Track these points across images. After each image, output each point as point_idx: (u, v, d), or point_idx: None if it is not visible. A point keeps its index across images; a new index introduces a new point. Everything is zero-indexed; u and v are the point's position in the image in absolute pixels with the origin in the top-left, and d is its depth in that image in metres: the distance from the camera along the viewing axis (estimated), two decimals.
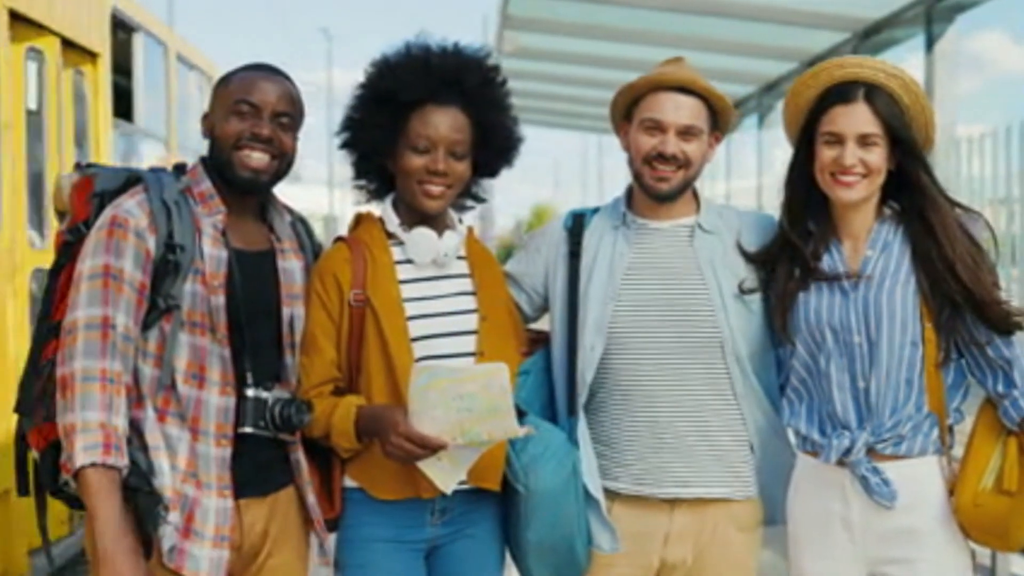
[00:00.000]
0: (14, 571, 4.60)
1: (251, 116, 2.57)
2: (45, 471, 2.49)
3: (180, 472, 2.46)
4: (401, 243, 2.70)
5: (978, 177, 8.38)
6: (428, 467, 2.48)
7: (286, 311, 2.62)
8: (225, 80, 2.65)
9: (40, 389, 2.48)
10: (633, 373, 2.71)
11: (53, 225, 4.05)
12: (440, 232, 2.70)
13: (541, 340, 2.87)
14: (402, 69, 2.65)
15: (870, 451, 2.56)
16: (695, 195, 2.84)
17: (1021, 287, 7.80)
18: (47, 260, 2.68)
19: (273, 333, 2.60)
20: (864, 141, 2.57)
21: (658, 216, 2.79)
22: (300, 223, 2.78)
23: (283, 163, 2.62)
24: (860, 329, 2.57)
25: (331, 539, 2.68)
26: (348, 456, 2.64)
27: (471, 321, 2.67)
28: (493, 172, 2.82)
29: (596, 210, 2.90)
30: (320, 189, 42.36)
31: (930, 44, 8.64)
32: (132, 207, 2.47)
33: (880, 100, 2.58)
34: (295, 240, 2.72)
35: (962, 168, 8.44)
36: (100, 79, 5.71)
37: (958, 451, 2.61)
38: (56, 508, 2.54)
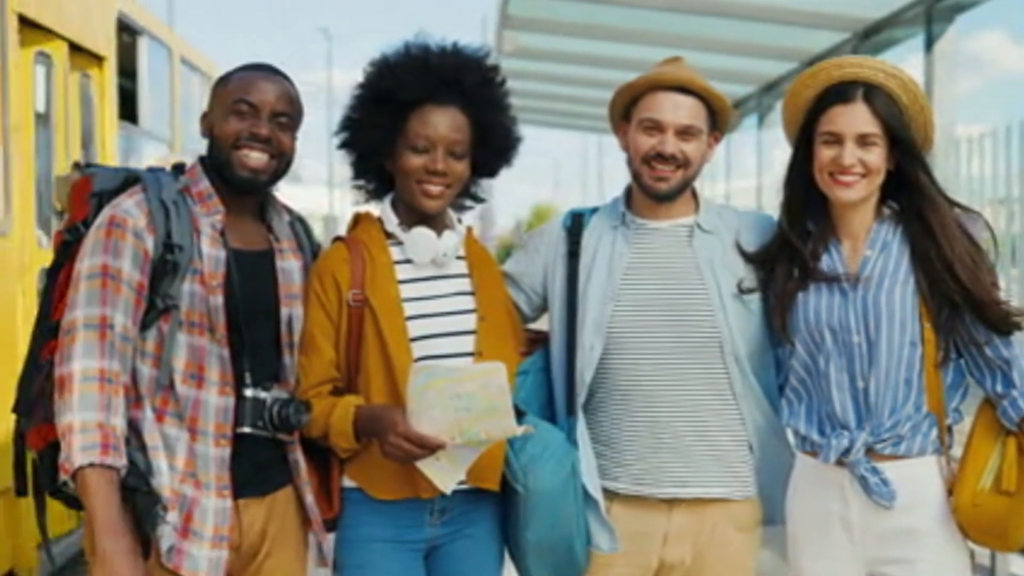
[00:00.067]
0: (23, 565, 4.62)
1: (250, 116, 2.57)
2: (44, 471, 2.49)
3: (179, 472, 2.46)
4: (400, 243, 2.70)
5: (977, 177, 8.37)
6: (427, 467, 2.48)
7: (285, 311, 2.62)
8: (224, 80, 2.65)
9: (39, 389, 2.48)
10: (632, 373, 2.70)
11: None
12: (439, 232, 2.70)
13: (540, 340, 2.87)
14: (401, 69, 2.65)
15: (869, 451, 2.56)
16: (694, 195, 2.84)
17: (1021, 287, 7.79)
18: None
19: (272, 333, 2.60)
20: (863, 141, 2.57)
21: (657, 216, 2.79)
22: (298, 223, 2.78)
23: (282, 163, 2.62)
24: (859, 329, 2.57)
25: (329, 539, 2.68)
26: (347, 456, 2.64)
27: (470, 321, 2.67)
28: (492, 172, 2.82)
29: (595, 210, 2.90)
30: (320, 189, 42.37)
31: (930, 44, 8.63)
32: (130, 207, 2.47)
33: (879, 100, 2.58)
34: (294, 240, 2.72)
35: (961, 168, 8.43)
36: (106, 82, 5.78)
37: (957, 451, 2.61)
38: (60, 504, 2.54)
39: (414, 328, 2.62)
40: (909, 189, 2.62)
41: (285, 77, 2.67)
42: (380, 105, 2.65)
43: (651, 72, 2.79)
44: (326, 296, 2.63)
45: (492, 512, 2.71)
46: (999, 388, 2.56)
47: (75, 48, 5.35)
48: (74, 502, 2.42)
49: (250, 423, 2.53)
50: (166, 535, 2.42)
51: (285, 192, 2.80)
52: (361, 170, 2.77)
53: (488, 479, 2.63)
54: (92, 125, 5.72)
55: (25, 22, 4.78)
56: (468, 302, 2.70)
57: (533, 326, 2.93)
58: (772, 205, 2.78)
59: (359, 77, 2.73)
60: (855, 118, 2.58)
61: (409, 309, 2.64)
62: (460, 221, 2.79)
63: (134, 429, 2.43)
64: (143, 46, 6.69)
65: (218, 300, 2.50)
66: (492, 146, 2.74)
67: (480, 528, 2.70)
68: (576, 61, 13.34)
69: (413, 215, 2.69)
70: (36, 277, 4.79)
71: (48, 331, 2.49)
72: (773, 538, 2.84)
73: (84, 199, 2.57)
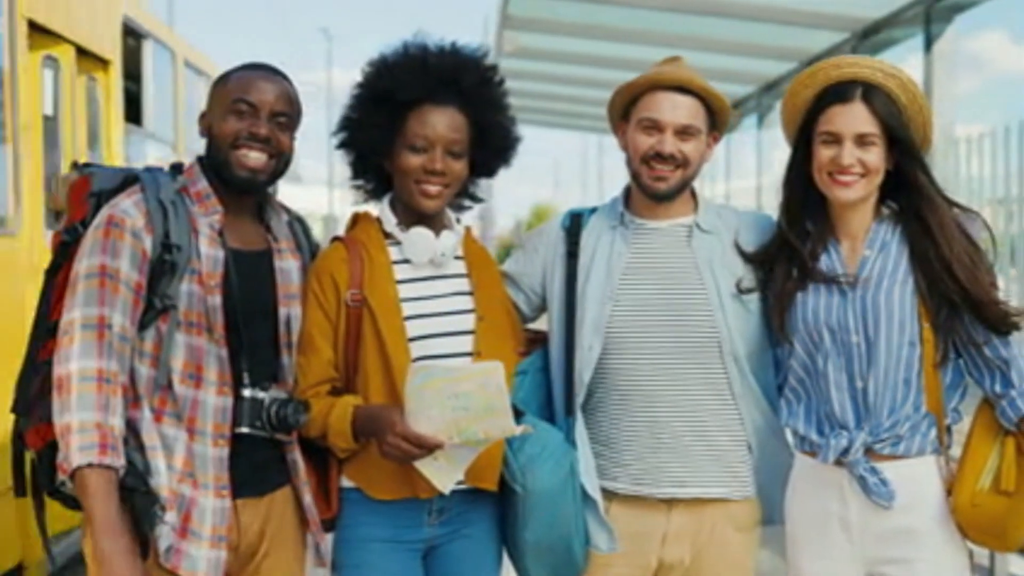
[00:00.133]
0: (31, 559, 4.65)
1: (249, 116, 2.57)
2: (42, 471, 2.49)
3: (177, 472, 2.46)
4: (398, 243, 2.70)
5: (977, 177, 8.37)
6: (425, 467, 2.48)
7: (283, 311, 2.62)
8: (223, 79, 2.65)
9: (37, 389, 2.48)
10: (631, 373, 2.70)
11: None
12: (437, 232, 2.70)
13: (539, 340, 2.87)
14: (400, 69, 2.64)
15: (868, 451, 2.56)
16: (693, 195, 2.83)
17: (1020, 287, 7.79)
18: None
19: (270, 333, 2.60)
20: (862, 141, 2.57)
21: (656, 216, 2.79)
22: (297, 223, 2.78)
23: (280, 163, 2.62)
24: (858, 329, 2.57)
25: (327, 540, 2.68)
26: (345, 456, 2.64)
27: (468, 321, 2.67)
28: (491, 172, 2.82)
29: (594, 210, 2.89)
30: (320, 189, 42.38)
31: (929, 44, 8.64)
32: (128, 207, 2.47)
33: (878, 100, 2.58)
34: (292, 240, 2.72)
35: (961, 168, 8.44)
36: (112, 85, 5.88)
37: (956, 451, 2.61)
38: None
39: (412, 328, 2.62)
40: (908, 189, 2.62)
41: (284, 77, 2.67)
42: (378, 105, 2.65)
43: (650, 72, 2.79)
44: (324, 296, 2.63)
45: (490, 512, 2.71)
46: (998, 388, 2.56)
47: (82, 52, 5.45)
48: (72, 502, 2.42)
49: (248, 423, 2.53)
50: (164, 535, 2.42)
51: (285, 192, 2.79)
52: (360, 170, 2.77)
53: (486, 479, 2.63)
54: (98, 127, 5.80)
55: (34, 27, 4.87)
56: (467, 302, 2.70)
57: (532, 326, 2.93)
58: (772, 205, 2.78)
59: (358, 77, 2.73)
60: (854, 118, 2.57)
61: (407, 309, 2.64)
62: (459, 221, 2.79)
63: (132, 429, 2.43)
64: (148, 49, 6.78)
65: (216, 300, 2.49)
66: (490, 146, 2.74)
67: (478, 528, 2.70)
68: (576, 61, 13.34)
69: (411, 215, 2.69)
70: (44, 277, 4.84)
71: (46, 331, 2.49)
72: (772, 538, 2.84)
73: (82, 199, 2.57)
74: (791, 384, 2.68)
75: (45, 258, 4.74)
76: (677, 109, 2.70)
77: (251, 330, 2.54)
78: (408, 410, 2.43)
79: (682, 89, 2.72)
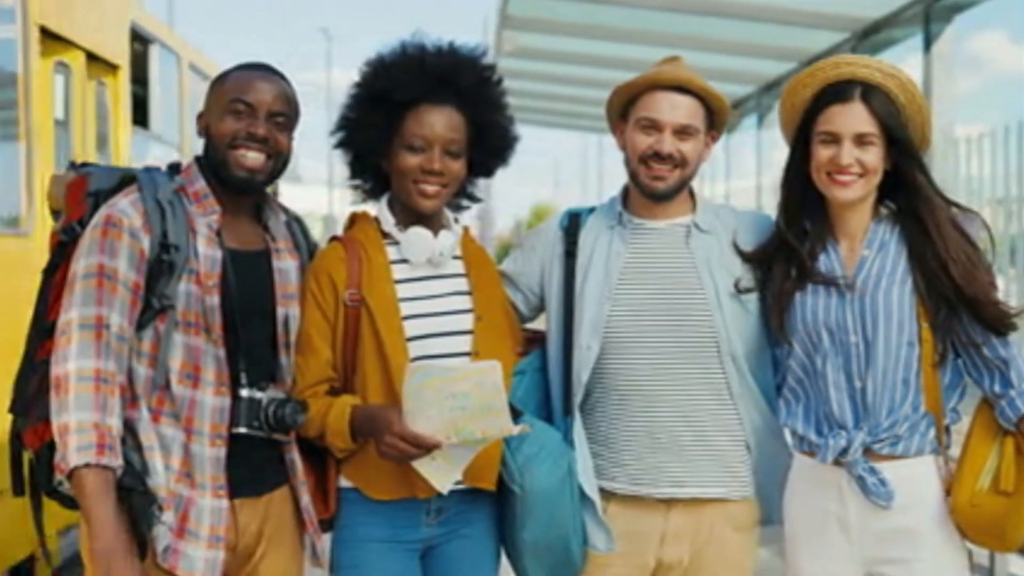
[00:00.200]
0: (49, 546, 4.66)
1: (247, 116, 2.56)
2: (40, 471, 2.48)
3: (175, 472, 2.46)
4: (396, 243, 2.70)
5: (976, 177, 8.38)
6: (423, 467, 2.47)
7: (281, 311, 2.61)
8: (220, 79, 2.65)
9: (35, 389, 2.48)
10: (629, 373, 2.70)
11: None
12: (435, 232, 2.70)
13: (537, 340, 2.87)
14: (397, 68, 2.64)
15: (867, 451, 2.55)
16: (691, 195, 2.83)
17: (1020, 287, 7.80)
18: None
19: (268, 333, 2.60)
20: (860, 140, 2.57)
21: (654, 215, 2.78)
22: (295, 222, 2.77)
23: (278, 163, 2.62)
24: (856, 329, 2.57)
25: (325, 540, 2.68)
26: (343, 456, 2.64)
27: (466, 321, 2.67)
28: (489, 171, 2.82)
29: (592, 210, 2.89)
30: (320, 189, 42.38)
31: (928, 44, 8.64)
32: (126, 207, 2.47)
33: (876, 99, 2.58)
34: (290, 240, 2.72)
35: (960, 168, 8.44)
36: (120, 89, 6.01)
37: (955, 451, 2.61)
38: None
39: (411, 328, 2.62)
40: (906, 189, 2.61)
41: (282, 77, 2.66)
42: (376, 104, 2.64)
43: (649, 71, 2.78)
44: (322, 296, 2.63)
45: (488, 512, 2.70)
46: (997, 388, 2.56)
47: (91, 57, 5.58)
48: (70, 502, 2.42)
49: (246, 423, 2.52)
50: (162, 535, 2.42)
51: (285, 192, 2.79)
52: (357, 169, 2.77)
53: (485, 479, 2.62)
54: (107, 130, 5.94)
55: (46, 33, 4.98)
56: (465, 302, 2.70)
57: (530, 326, 2.93)
58: (772, 205, 2.78)
59: (357, 77, 2.72)
60: (853, 118, 2.57)
61: (406, 309, 2.63)
62: (457, 221, 2.78)
63: (130, 429, 2.43)
64: (154, 54, 6.92)
65: (214, 300, 2.49)
66: (488, 145, 2.73)
67: (476, 528, 2.69)
68: (576, 61, 13.35)
69: (410, 215, 2.69)
70: None
71: (44, 331, 2.48)
72: (771, 537, 2.84)
73: (80, 199, 2.56)
74: (790, 384, 2.68)
75: None
76: (676, 109, 2.70)
77: (249, 330, 2.54)
78: (406, 410, 2.43)
79: (681, 89, 2.72)
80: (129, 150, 6.14)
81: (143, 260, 2.44)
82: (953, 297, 2.52)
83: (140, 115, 6.69)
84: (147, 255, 2.45)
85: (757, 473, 2.75)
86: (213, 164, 2.59)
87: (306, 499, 2.64)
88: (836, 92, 2.60)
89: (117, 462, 2.33)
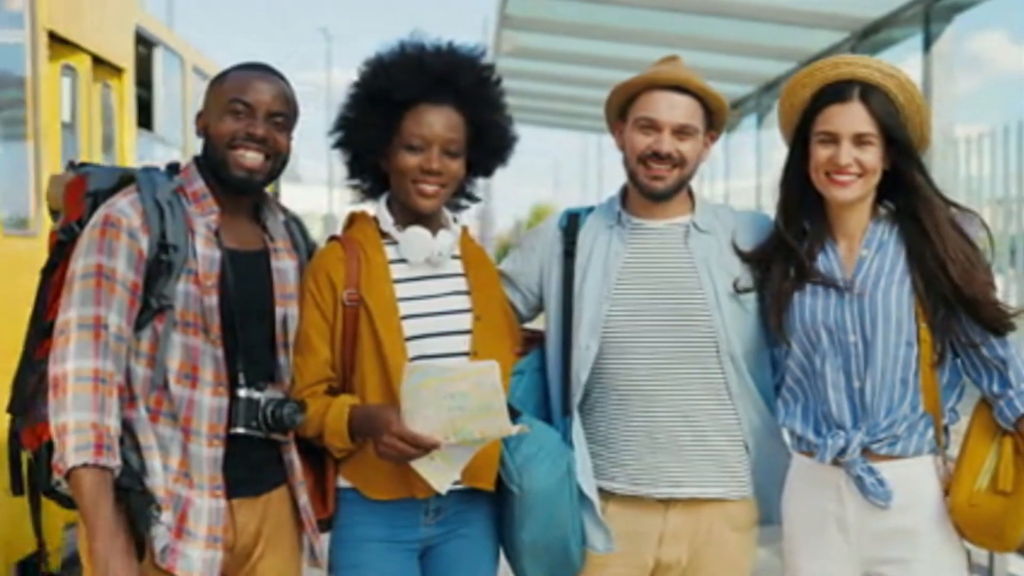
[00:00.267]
0: (52, 544, 4.68)
1: (246, 116, 2.56)
2: (39, 471, 2.48)
3: (173, 472, 2.46)
4: (395, 242, 2.70)
5: (976, 177, 8.38)
6: (421, 466, 2.47)
7: (280, 311, 2.61)
8: (219, 79, 2.65)
9: (34, 389, 2.48)
10: (628, 373, 2.70)
11: None
12: (434, 231, 2.70)
13: (536, 340, 2.87)
14: (396, 68, 2.64)
15: (865, 451, 2.55)
16: (690, 194, 2.83)
17: (1020, 287, 7.80)
18: None
19: (266, 333, 2.59)
20: (859, 140, 2.57)
21: (653, 215, 2.78)
22: (294, 222, 2.77)
23: (277, 163, 2.62)
24: (855, 329, 2.57)
25: (324, 540, 2.67)
26: (342, 456, 2.63)
27: (465, 321, 2.67)
28: (488, 171, 2.82)
29: (591, 209, 2.89)
30: (320, 189, 42.36)
31: (928, 44, 8.65)
32: (125, 207, 2.47)
33: (875, 99, 2.57)
34: (289, 240, 2.71)
35: (960, 168, 8.45)
36: (125, 92, 6.13)
37: (954, 451, 2.61)
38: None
39: (409, 328, 2.62)
40: (905, 189, 2.61)
41: (281, 77, 2.66)
42: (375, 104, 2.64)
43: (647, 71, 2.78)
44: (321, 296, 2.63)
45: (487, 512, 2.70)
46: (995, 388, 2.56)
47: (97, 61, 5.68)
48: (68, 501, 2.42)
49: (244, 423, 2.52)
50: (160, 535, 2.41)
51: (285, 192, 2.80)
52: (356, 169, 2.77)
53: (483, 479, 2.62)
54: (112, 132, 6.04)
55: (53, 37, 5.08)
56: (463, 301, 2.70)
57: (529, 325, 2.93)
58: (771, 205, 2.78)
59: (355, 76, 2.72)
60: (851, 117, 2.57)
61: (404, 308, 2.63)
62: (455, 220, 2.78)
63: (128, 429, 2.43)
64: (158, 57, 7.02)
65: (212, 300, 2.49)
66: (487, 145, 2.73)
67: (475, 528, 2.69)
68: (575, 61, 13.36)
69: (408, 214, 2.69)
70: None
71: (43, 331, 2.48)
72: (770, 537, 2.84)
73: (79, 199, 2.56)
74: (788, 384, 2.68)
75: None
76: (674, 108, 2.70)
77: (247, 330, 2.54)
78: (404, 410, 2.43)
79: (679, 88, 2.72)
80: (134, 152, 6.24)
81: (141, 260, 2.44)
82: (952, 297, 2.52)
83: (144, 117, 6.80)
84: (146, 255, 2.45)
85: (756, 473, 2.74)
86: (212, 164, 2.58)
87: (304, 499, 2.64)
88: (835, 92, 2.60)
89: (115, 462, 2.33)
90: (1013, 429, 2.53)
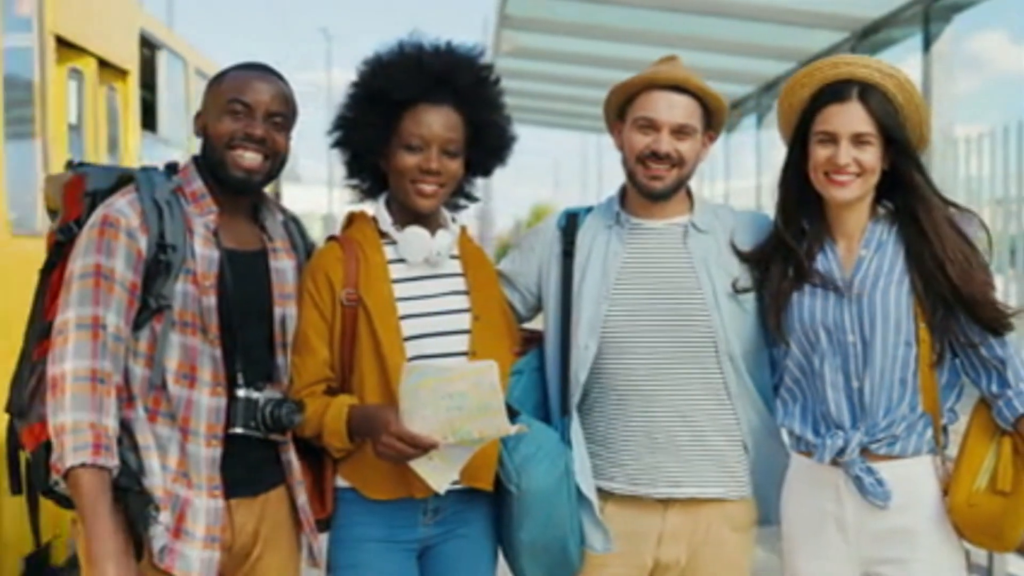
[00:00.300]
0: (60, 537, 4.80)
1: (244, 116, 2.56)
2: (37, 471, 2.48)
3: (171, 472, 2.46)
4: (394, 242, 2.70)
5: (976, 177, 8.38)
6: (420, 466, 2.47)
7: (278, 311, 2.61)
8: (218, 79, 2.64)
9: (32, 389, 2.48)
10: (627, 373, 2.70)
11: None
12: (433, 231, 2.70)
13: (535, 339, 2.87)
14: (395, 68, 2.64)
15: (864, 451, 2.55)
16: (689, 194, 2.83)
17: (1020, 287, 7.80)
18: None
19: (265, 333, 2.59)
20: (858, 140, 2.57)
21: (652, 215, 2.78)
22: (292, 222, 2.77)
23: (276, 163, 2.62)
24: (854, 328, 2.57)
25: (321, 540, 2.67)
26: (340, 456, 2.63)
27: (464, 320, 2.67)
28: (487, 171, 2.82)
29: (590, 209, 2.89)
30: (320, 189, 42.36)
31: (927, 44, 8.64)
32: (123, 206, 2.46)
33: (874, 99, 2.57)
34: (287, 240, 2.71)
35: (960, 168, 8.44)
36: (130, 94, 6.32)
37: (952, 451, 2.61)
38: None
39: (408, 327, 2.62)
40: (904, 189, 2.61)
41: (279, 76, 2.66)
42: (374, 104, 2.64)
43: (646, 71, 2.78)
44: (320, 295, 2.63)
45: (486, 512, 2.70)
46: (994, 388, 2.56)
47: (103, 63, 5.84)
48: (66, 502, 2.41)
49: (242, 423, 2.52)
50: (158, 535, 2.41)
51: (285, 192, 2.80)
52: (355, 169, 2.77)
53: (482, 479, 2.62)
54: (117, 134, 6.20)
55: (61, 41, 5.25)
56: (462, 301, 2.69)
57: (528, 325, 2.93)
58: (771, 205, 2.78)
59: (354, 76, 2.72)
60: (850, 117, 2.57)
61: (403, 308, 2.63)
62: (454, 220, 2.78)
63: (126, 429, 2.43)
64: (162, 60, 7.19)
65: (211, 300, 2.49)
66: (486, 145, 2.73)
67: (474, 528, 2.69)
68: (575, 61, 13.35)
69: (407, 214, 2.69)
70: None
71: (41, 331, 2.48)
72: (769, 537, 2.84)
73: (77, 198, 2.56)
74: (787, 384, 2.68)
75: None
76: (673, 108, 2.70)
77: (246, 330, 2.54)
78: (402, 410, 2.43)
79: (678, 88, 2.72)
80: (138, 153, 6.37)
81: (140, 260, 2.44)
82: (950, 297, 2.52)
83: (148, 119, 6.93)
84: (144, 255, 2.44)
85: (754, 473, 2.74)
86: (210, 164, 2.58)
87: (303, 499, 2.63)
88: (834, 92, 2.60)
89: (113, 462, 2.33)
90: (1012, 429, 2.53)
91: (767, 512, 2.77)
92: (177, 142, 7.35)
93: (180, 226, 2.49)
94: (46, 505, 2.55)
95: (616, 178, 2.88)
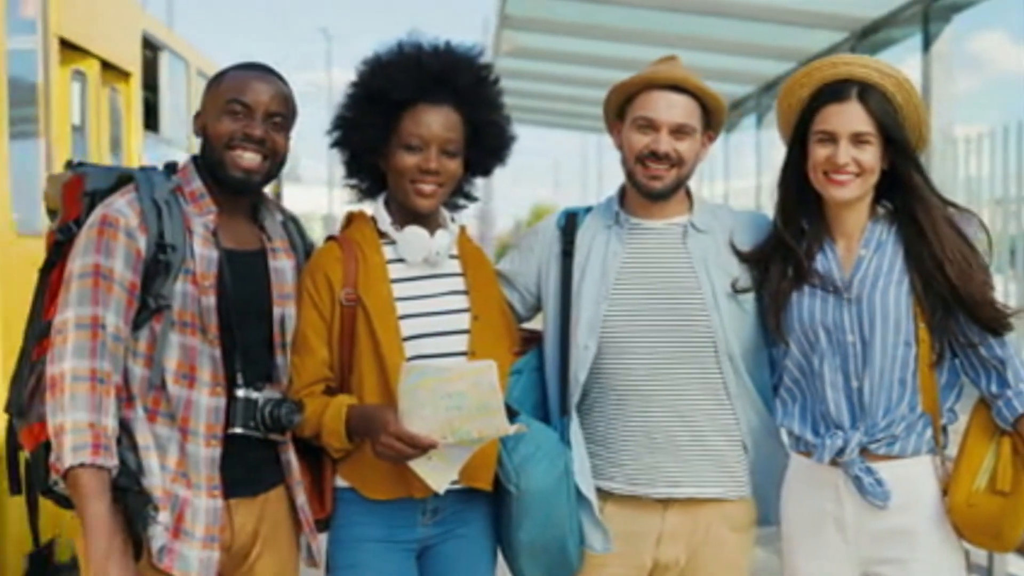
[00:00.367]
0: (66, 534, 4.78)
1: (244, 116, 2.56)
2: (36, 471, 2.48)
3: (170, 472, 2.45)
4: (393, 242, 2.70)
5: (976, 177, 8.37)
6: (419, 466, 2.47)
7: (277, 311, 2.61)
8: (217, 79, 2.64)
9: (31, 389, 2.48)
10: (627, 373, 2.70)
11: None
12: (432, 231, 2.70)
13: (534, 339, 2.87)
14: (394, 68, 2.64)
15: (863, 451, 2.55)
16: (688, 194, 2.83)
17: (1019, 287, 7.79)
18: None
19: (264, 333, 2.59)
20: (857, 140, 2.57)
21: (651, 215, 2.78)
22: (291, 222, 2.77)
23: (275, 163, 2.62)
24: (853, 328, 2.57)
25: (320, 540, 2.67)
26: (340, 456, 2.63)
27: (463, 320, 2.67)
28: (486, 171, 2.82)
29: (589, 209, 2.89)
30: (320, 189, 42.36)
31: (927, 44, 8.63)
32: (122, 206, 2.46)
33: (873, 99, 2.57)
34: (286, 239, 2.71)
35: (959, 168, 8.44)
36: (132, 95, 6.40)
37: (952, 451, 2.61)
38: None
39: (407, 327, 2.62)
40: (903, 189, 2.61)
41: (279, 77, 2.66)
42: (373, 104, 2.64)
43: (645, 71, 2.78)
44: (319, 295, 2.63)
45: (485, 512, 2.70)
46: (994, 388, 2.55)
47: (106, 65, 5.92)
48: (66, 502, 2.41)
49: (242, 423, 2.52)
50: (157, 535, 2.41)
51: (285, 192, 2.80)
52: (354, 169, 2.77)
53: (481, 479, 2.62)
54: (120, 134, 6.27)
55: (64, 43, 5.31)
56: (461, 301, 2.69)
57: (527, 325, 2.93)
58: (771, 205, 2.78)
59: (354, 76, 2.72)
60: (849, 117, 2.57)
61: (402, 308, 2.63)
62: (453, 220, 2.78)
63: (126, 429, 2.42)
64: (164, 61, 7.29)
65: (210, 300, 2.49)
66: (485, 145, 2.73)
67: (473, 528, 2.69)
68: (575, 61, 13.34)
69: (406, 214, 2.69)
70: None
71: (40, 331, 2.48)
72: (767, 538, 2.84)
73: (76, 198, 2.56)
74: (786, 384, 2.68)
75: None
76: (672, 108, 2.70)
77: (245, 330, 2.54)
78: (401, 410, 2.43)
79: (677, 88, 2.71)
80: (140, 153, 6.43)
81: (139, 260, 2.44)
82: (949, 297, 2.52)
83: (151, 120, 7.01)
84: (143, 255, 2.44)
85: (754, 473, 2.74)
86: (210, 164, 2.58)
87: (302, 499, 2.63)
88: (833, 91, 2.59)
89: (112, 462, 2.33)
90: (1011, 429, 2.53)
91: (766, 512, 2.77)
92: (179, 143, 7.42)
93: (179, 226, 2.49)
94: (48, 504, 2.55)
95: (616, 178, 2.88)
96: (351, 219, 2.78)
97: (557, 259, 2.81)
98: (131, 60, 6.36)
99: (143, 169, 2.62)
